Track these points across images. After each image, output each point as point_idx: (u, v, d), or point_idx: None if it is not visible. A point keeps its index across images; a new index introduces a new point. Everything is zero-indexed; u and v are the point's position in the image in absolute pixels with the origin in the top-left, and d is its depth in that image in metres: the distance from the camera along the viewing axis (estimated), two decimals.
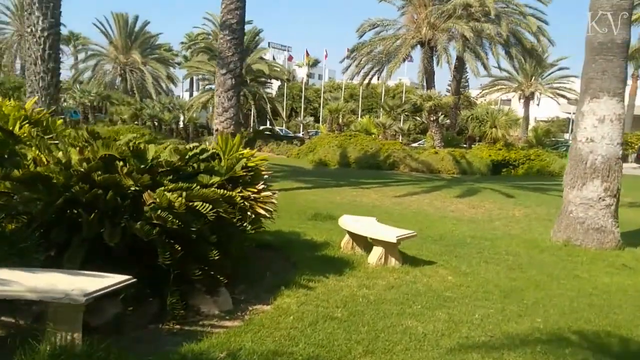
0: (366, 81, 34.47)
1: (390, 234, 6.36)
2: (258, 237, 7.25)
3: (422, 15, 32.32)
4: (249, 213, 4.96)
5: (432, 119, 29.71)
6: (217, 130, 13.68)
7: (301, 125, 45.47)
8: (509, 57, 35.20)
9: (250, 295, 4.96)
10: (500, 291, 5.69)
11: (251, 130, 39.63)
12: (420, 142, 38.22)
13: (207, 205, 4.25)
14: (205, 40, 39.38)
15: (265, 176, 5.99)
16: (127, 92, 45.48)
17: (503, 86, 49.39)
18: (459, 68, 34.14)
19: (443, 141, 29.67)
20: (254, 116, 43.65)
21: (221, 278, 4.48)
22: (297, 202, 12.08)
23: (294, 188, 15.22)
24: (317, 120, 53.65)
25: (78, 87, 38.92)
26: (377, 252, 6.52)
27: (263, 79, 36.25)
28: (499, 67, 36.54)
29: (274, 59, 55.31)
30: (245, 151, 5.33)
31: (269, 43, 75.96)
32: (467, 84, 61.42)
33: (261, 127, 41.92)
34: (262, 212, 4.98)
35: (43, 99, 13.27)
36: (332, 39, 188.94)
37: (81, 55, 50.03)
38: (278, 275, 5.64)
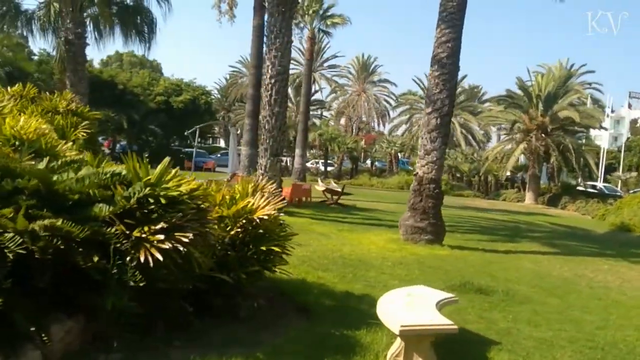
0: None
1: (397, 320, 4.15)
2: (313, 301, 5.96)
3: None
4: (128, 258, 3.86)
5: None
6: (416, 174, 12.20)
7: None
8: None
9: None
10: None
11: (558, 184, 34.97)
12: None
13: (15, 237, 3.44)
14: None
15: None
16: None
17: None
18: None
19: None
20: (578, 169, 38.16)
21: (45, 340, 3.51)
22: (489, 267, 9.68)
23: (526, 251, 12.32)
24: None
25: (387, 138, 41.54)
26: (395, 345, 4.37)
27: (571, 128, 31.66)
28: None
29: (611, 108, 48.11)
30: (172, 177, 4.22)
31: (629, 92, 66.52)
32: None
33: (583, 183, 36.49)
34: (143, 257, 3.80)
35: (267, 141, 14.28)
36: None
37: (400, 109, 53.47)
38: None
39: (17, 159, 4.10)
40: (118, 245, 3.88)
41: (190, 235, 4.03)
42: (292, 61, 50.05)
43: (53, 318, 3.72)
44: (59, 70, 19.33)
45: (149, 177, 4.14)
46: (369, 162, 50.37)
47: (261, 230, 5.12)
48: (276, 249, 5.08)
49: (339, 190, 19.31)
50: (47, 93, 8.86)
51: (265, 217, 5.04)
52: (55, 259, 3.66)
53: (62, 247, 3.67)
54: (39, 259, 3.55)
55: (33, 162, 4.42)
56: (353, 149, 39.86)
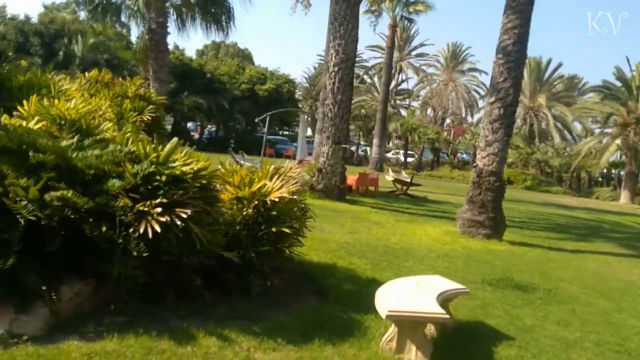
0: None
1: (385, 304, 4.14)
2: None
3: None
4: (131, 229, 4.15)
5: None
6: (475, 166, 11.80)
7: None
8: None
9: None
10: None
11: None
12: None
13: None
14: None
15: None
16: (528, 136, 43.85)
17: None
18: None
19: None
20: None
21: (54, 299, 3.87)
22: (545, 265, 9.24)
23: (597, 252, 11.55)
24: None
25: (471, 129, 40.23)
26: (390, 330, 4.37)
27: None
28: None
29: None
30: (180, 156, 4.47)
31: None
32: None
33: None
34: (142, 229, 4.07)
35: (330, 129, 14.39)
36: None
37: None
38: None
39: (41, 134, 4.48)
40: (123, 217, 4.18)
41: (189, 211, 4.25)
42: (379, 50, 49.94)
43: (65, 280, 4.09)
44: (141, 58, 20.65)
45: (156, 156, 4.41)
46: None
47: (274, 212, 5.26)
48: (287, 230, 5.19)
49: (408, 180, 19.07)
50: (121, 79, 9.58)
51: (277, 200, 5.17)
52: (65, 227, 4.03)
53: (72, 216, 4.04)
54: (47, 225, 3.92)
55: (73, 140, 4.82)
56: (434, 139, 39.00)
